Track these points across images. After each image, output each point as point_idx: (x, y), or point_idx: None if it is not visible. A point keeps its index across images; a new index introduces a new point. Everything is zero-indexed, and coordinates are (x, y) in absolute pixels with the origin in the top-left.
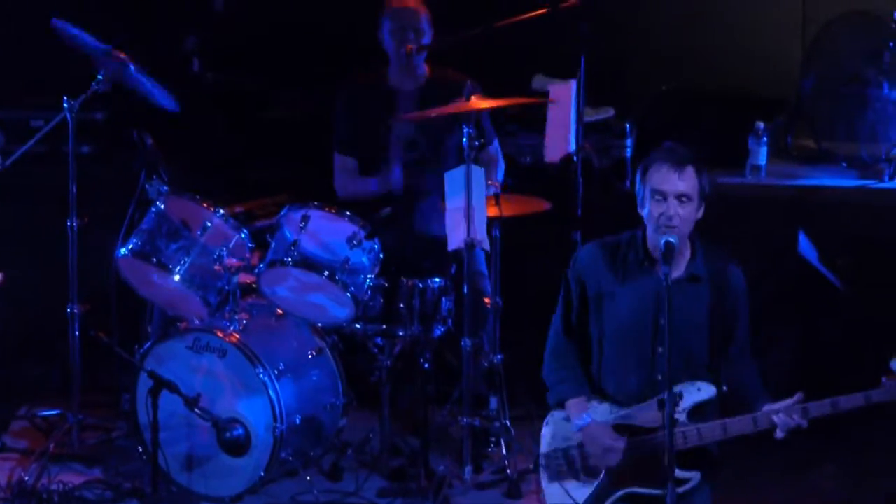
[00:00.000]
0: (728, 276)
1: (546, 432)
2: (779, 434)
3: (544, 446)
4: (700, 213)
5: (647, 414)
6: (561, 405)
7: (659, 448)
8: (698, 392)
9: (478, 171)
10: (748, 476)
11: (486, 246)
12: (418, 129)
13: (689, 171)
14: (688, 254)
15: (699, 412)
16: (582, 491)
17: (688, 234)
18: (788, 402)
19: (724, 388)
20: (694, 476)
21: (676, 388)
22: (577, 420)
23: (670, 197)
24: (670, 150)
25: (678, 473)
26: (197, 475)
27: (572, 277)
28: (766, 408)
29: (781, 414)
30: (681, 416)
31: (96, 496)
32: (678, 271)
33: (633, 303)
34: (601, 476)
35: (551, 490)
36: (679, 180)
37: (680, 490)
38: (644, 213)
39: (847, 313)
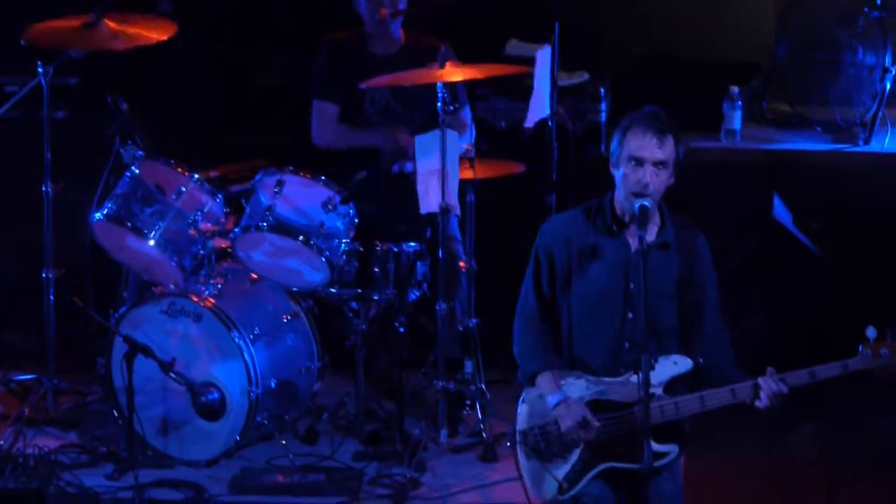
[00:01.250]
0: (696, 245)
1: (522, 410)
2: (761, 403)
3: (521, 423)
4: (672, 181)
5: (622, 389)
6: (532, 380)
7: (635, 423)
8: (675, 366)
9: (452, 135)
10: (725, 439)
11: (458, 211)
12: (393, 95)
13: (669, 139)
14: (658, 220)
15: (675, 386)
16: (561, 467)
17: (657, 202)
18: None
19: (700, 360)
20: (672, 449)
21: (654, 362)
22: (551, 398)
23: (647, 164)
24: (652, 116)
25: (655, 447)
26: (173, 439)
27: (541, 249)
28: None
29: (767, 378)
30: (657, 390)
31: (72, 460)
32: (649, 237)
33: (602, 270)
34: (578, 452)
35: (530, 467)
36: (658, 148)
37: (658, 464)
38: (617, 173)
39: (822, 277)
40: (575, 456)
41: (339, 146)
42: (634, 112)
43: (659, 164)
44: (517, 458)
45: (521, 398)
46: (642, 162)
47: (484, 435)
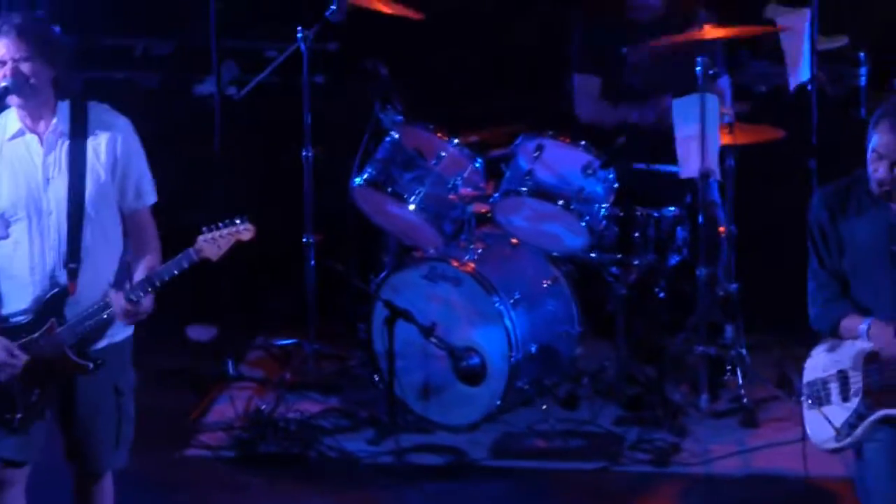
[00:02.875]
0: None
1: (808, 364)
2: None
3: (807, 377)
4: None
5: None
6: (835, 328)
7: None
8: None
9: (711, 99)
10: None
11: (718, 176)
12: (653, 63)
13: None
14: None
15: None
16: (839, 415)
17: None
18: None
19: None
20: None
21: None
22: (861, 325)
23: (884, 160)
24: None
25: None
26: (433, 404)
27: (812, 222)
28: None
29: None
30: None
31: (333, 425)
32: None
33: (868, 233)
34: (858, 400)
35: (811, 417)
36: None
37: None
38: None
39: None
40: (854, 404)
41: (600, 122)
42: (888, 105)
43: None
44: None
45: (809, 354)
46: (881, 157)
47: (744, 400)
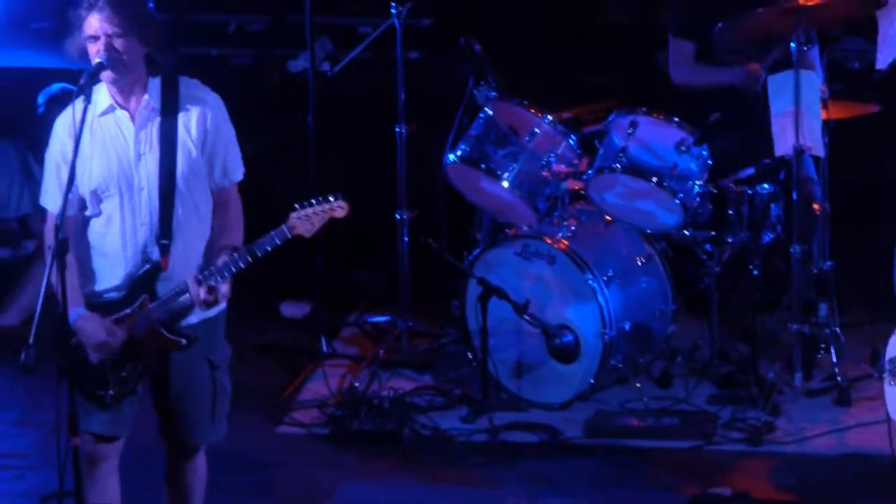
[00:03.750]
0: None
1: (892, 341)
2: None
3: (889, 353)
4: None
5: None
6: None
7: None
8: None
9: (807, 76)
10: None
11: (820, 151)
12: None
13: None
14: None
15: None
16: None
17: None
18: None
19: None
20: None
21: None
22: None
23: None
24: None
25: None
26: (526, 382)
27: None
28: None
29: None
30: None
31: (426, 402)
32: None
33: None
34: None
35: (891, 392)
36: None
37: None
38: None
39: None
40: None
41: (695, 83)
42: None
43: None
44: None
45: (893, 331)
46: None
47: (839, 378)
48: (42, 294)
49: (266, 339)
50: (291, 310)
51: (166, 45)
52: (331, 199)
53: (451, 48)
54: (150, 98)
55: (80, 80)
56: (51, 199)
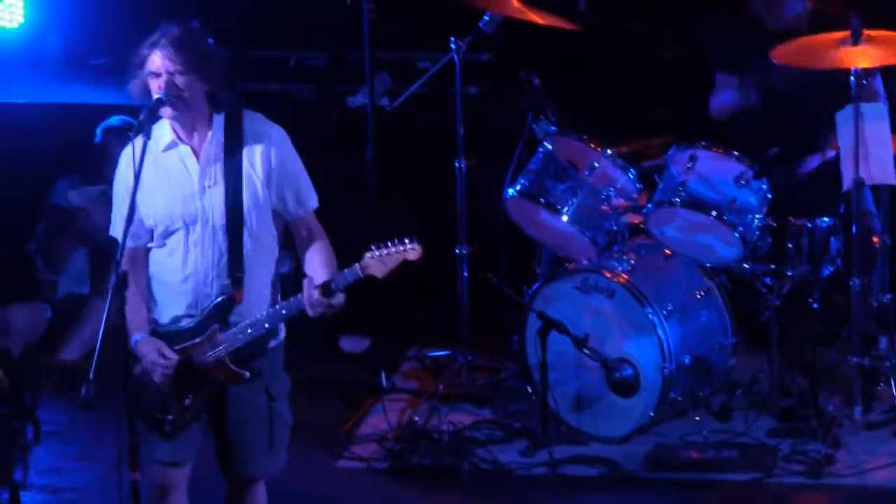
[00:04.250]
0: None
1: None
2: None
3: None
4: None
5: None
6: None
7: None
8: None
9: (871, 108)
10: None
11: (892, 179)
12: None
13: None
14: None
15: None
16: None
17: None
18: None
19: None
20: None
21: None
22: None
23: None
24: None
25: None
26: (586, 415)
27: None
28: None
29: None
30: None
31: (486, 436)
32: None
33: None
34: None
35: None
36: None
37: None
38: None
39: None
40: None
41: (726, 109)
42: None
43: None
44: None
45: None
46: None
47: None
48: (102, 329)
49: (326, 373)
50: (351, 344)
51: (228, 82)
52: (406, 241)
53: (510, 83)
54: (214, 133)
55: (140, 116)
56: (118, 230)
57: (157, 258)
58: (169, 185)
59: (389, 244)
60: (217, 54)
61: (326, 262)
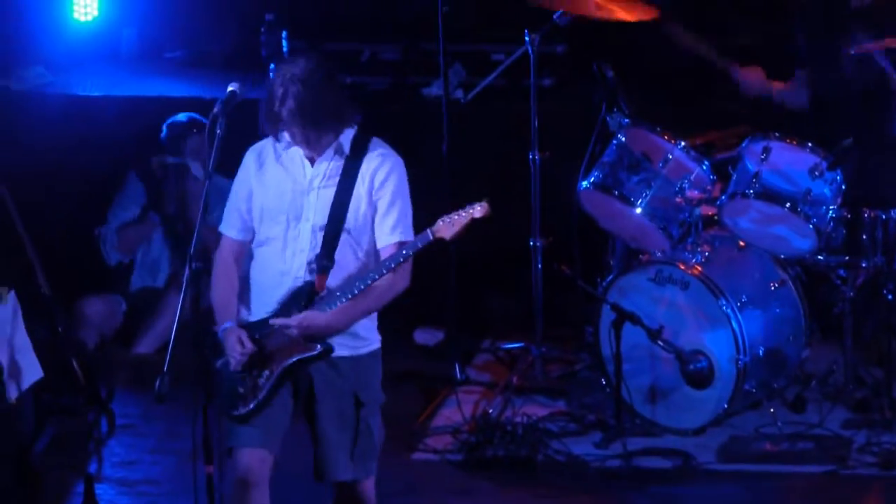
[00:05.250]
0: None
1: None
2: None
3: None
4: None
5: None
6: None
7: None
8: None
9: None
10: None
11: None
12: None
13: None
14: None
15: None
16: None
17: None
18: None
19: None
20: None
21: None
22: None
23: None
24: None
25: None
26: (660, 407)
27: None
28: None
29: None
30: None
31: (560, 428)
32: None
33: None
34: None
35: None
36: None
37: None
38: None
39: None
40: None
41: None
42: None
43: None
44: None
45: None
46: None
47: None
48: (176, 322)
49: (400, 365)
50: (425, 336)
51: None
52: (474, 204)
53: (584, 75)
54: (341, 142)
55: (214, 109)
56: (228, 223)
57: (258, 258)
58: (283, 181)
59: (459, 209)
60: (337, 82)
61: (369, 296)
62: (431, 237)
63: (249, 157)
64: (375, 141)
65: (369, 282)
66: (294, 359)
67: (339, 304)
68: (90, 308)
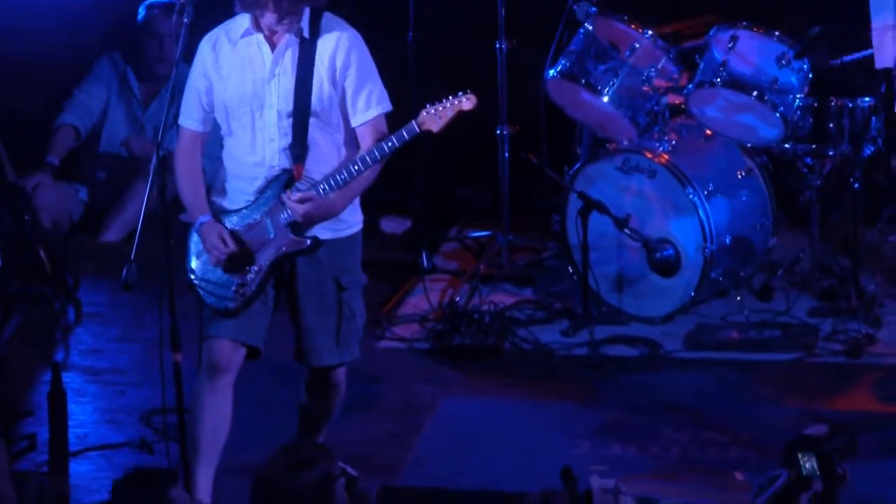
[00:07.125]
0: None
1: None
2: None
3: None
4: None
5: None
6: None
7: None
8: None
9: None
10: None
11: None
12: None
13: None
14: None
15: None
16: None
17: None
18: None
19: None
20: None
21: None
22: None
23: None
24: None
25: None
26: (627, 295)
27: None
28: None
29: None
30: None
31: (527, 316)
32: None
33: None
34: None
35: None
36: None
37: None
38: None
39: None
40: None
41: None
42: None
43: None
44: None
45: None
46: None
47: None
48: (143, 211)
49: (366, 254)
50: (391, 225)
51: None
52: (460, 94)
53: None
54: (301, 25)
55: None
56: (187, 115)
57: (227, 147)
58: (242, 71)
59: (444, 100)
60: None
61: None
62: (418, 129)
63: (205, 47)
64: (328, 17)
65: (354, 172)
66: (283, 252)
67: (321, 190)
68: (42, 198)
